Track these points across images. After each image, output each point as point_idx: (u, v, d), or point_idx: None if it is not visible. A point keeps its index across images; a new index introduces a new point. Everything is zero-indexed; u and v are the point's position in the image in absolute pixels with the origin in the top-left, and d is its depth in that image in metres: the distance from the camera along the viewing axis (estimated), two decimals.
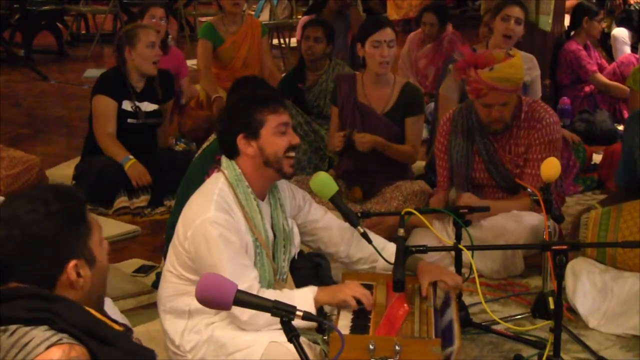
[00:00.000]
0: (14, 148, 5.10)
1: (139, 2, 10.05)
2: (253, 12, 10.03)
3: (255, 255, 2.80)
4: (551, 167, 3.07)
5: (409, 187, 4.33)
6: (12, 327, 1.81)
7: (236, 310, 2.61)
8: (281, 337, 2.25)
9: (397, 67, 6.67)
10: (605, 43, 7.73)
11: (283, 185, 3.06)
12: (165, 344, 2.91)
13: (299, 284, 2.97)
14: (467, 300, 3.38)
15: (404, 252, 2.83)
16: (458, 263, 3.21)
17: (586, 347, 3.20)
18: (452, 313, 2.76)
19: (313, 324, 2.68)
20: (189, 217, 2.77)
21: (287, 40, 9.31)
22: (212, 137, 3.70)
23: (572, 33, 6.62)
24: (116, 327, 1.99)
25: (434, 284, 2.92)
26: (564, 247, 2.71)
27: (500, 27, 4.83)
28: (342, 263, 3.19)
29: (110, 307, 2.70)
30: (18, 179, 4.69)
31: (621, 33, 7.70)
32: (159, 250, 3.97)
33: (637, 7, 7.93)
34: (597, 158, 5.39)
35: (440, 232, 3.65)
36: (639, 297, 3.30)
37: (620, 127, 6.01)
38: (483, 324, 3.31)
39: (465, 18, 11.43)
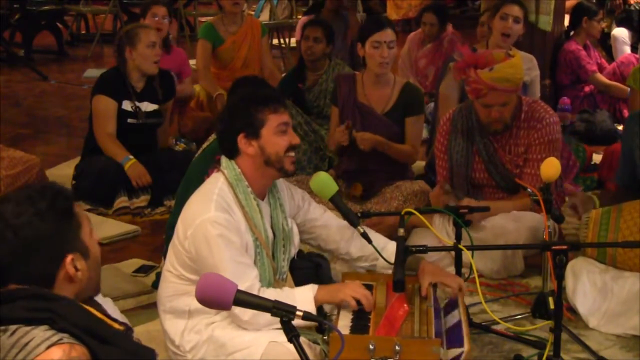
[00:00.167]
0: (14, 148, 5.09)
1: (139, 2, 10.06)
2: (253, 12, 10.04)
3: (255, 254, 2.80)
4: (551, 167, 3.07)
5: (409, 187, 4.33)
6: (13, 327, 1.81)
7: (237, 309, 2.61)
8: (281, 337, 2.25)
9: (397, 67, 6.68)
10: (605, 43, 7.73)
11: (282, 185, 3.06)
12: (165, 344, 2.91)
13: (299, 283, 2.97)
14: (467, 300, 3.38)
15: (404, 252, 2.84)
16: (458, 263, 3.22)
17: (586, 347, 3.20)
18: (460, 315, 2.76)
19: (313, 324, 2.69)
20: (189, 217, 2.77)
21: (287, 40, 9.31)
22: (212, 137, 3.70)
23: (571, 33, 6.62)
24: (116, 326, 1.99)
25: (434, 285, 2.92)
26: (564, 247, 2.71)
27: (498, 26, 4.83)
28: (342, 260, 3.20)
29: (111, 307, 2.70)
30: (18, 179, 4.69)
31: (621, 33, 7.70)
32: (159, 250, 3.97)
33: (637, 7, 7.93)
34: (597, 158, 5.39)
35: (440, 232, 3.65)
36: (639, 297, 3.30)
37: (620, 127, 6.01)
38: (483, 324, 3.31)
39: (465, 18, 11.43)
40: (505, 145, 3.92)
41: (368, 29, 4.31)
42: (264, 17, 9.80)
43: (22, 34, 9.83)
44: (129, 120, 4.86)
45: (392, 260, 2.84)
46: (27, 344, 1.78)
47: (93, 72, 8.40)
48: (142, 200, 4.79)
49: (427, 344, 2.52)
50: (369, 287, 2.89)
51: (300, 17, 8.34)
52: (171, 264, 2.84)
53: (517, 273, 3.87)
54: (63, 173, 5.21)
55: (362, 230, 2.96)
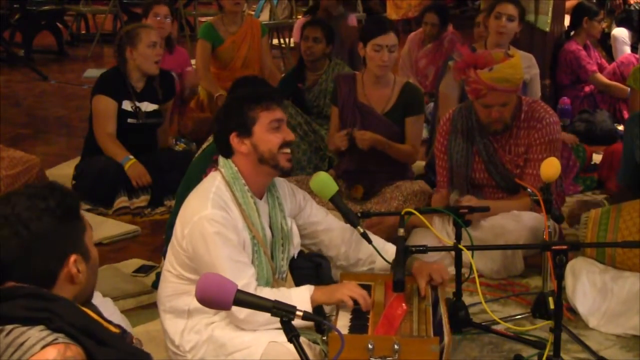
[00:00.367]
0: (14, 148, 5.09)
1: (139, 2, 10.06)
2: (253, 12, 10.03)
3: (253, 253, 2.80)
4: (551, 167, 3.07)
5: (409, 187, 4.33)
6: (9, 327, 1.81)
7: (234, 308, 2.61)
8: (281, 337, 2.25)
9: (397, 67, 6.67)
10: (605, 43, 7.73)
11: (283, 184, 3.06)
12: (165, 344, 2.91)
13: (299, 283, 2.97)
14: (467, 300, 3.38)
15: (404, 252, 2.83)
16: (458, 263, 3.21)
17: (586, 347, 3.20)
18: (441, 309, 2.76)
19: (312, 323, 2.69)
20: (186, 215, 2.78)
21: (287, 40, 9.31)
22: (212, 137, 3.70)
23: (572, 33, 6.62)
24: (112, 328, 1.99)
25: (431, 283, 2.92)
26: (564, 247, 2.71)
27: (493, 25, 4.85)
28: (340, 267, 3.19)
29: (110, 307, 2.71)
30: (18, 179, 4.69)
31: (621, 33, 7.70)
32: (159, 250, 3.97)
33: (637, 7, 7.93)
34: (597, 158, 5.39)
35: (440, 232, 3.65)
36: (639, 297, 3.30)
37: (620, 127, 6.01)
38: (483, 324, 3.31)
39: (465, 18, 11.43)
40: (505, 145, 3.92)
41: (370, 31, 4.31)
42: (264, 17, 9.79)
43: (22, 34, 9.83)
44: (129, 120, 4.86)
45: (391, 260, 2.84)
46: (22, 343, 1.78)
47: (93, 72, 8.40)
48: (142, 200, 4.80)
49: (426, 343, 2.52)
50: (367, 287, 2.89)
51: (300, 17, 8.34)
52: (170, 264, 2.85)
53: (517, 273, 3.87)
54: (63, 173, 5.21)
55: (362, 231, 2.96)
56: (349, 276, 3.03)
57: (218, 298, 2.07)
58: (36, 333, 1.79)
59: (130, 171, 4.73)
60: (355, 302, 2.74)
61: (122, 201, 4.75)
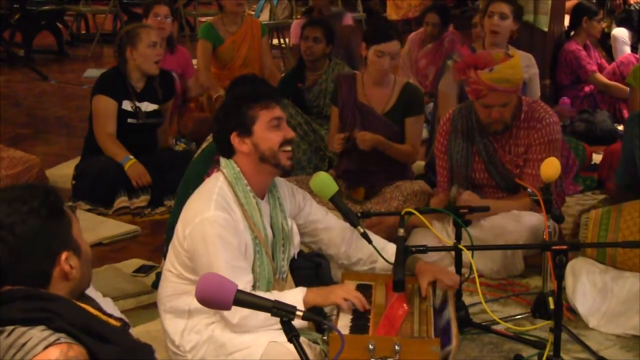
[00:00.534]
0: (14, 148, 5.10)
1: (139, 2, 10.05)
2: (253, 12, 10.03)
3: (254, 253, 2.80)
4: (551, 167, 3.07)
5: (409, 187, 4.33)
6: (9, 327, 1.81)
7: (227, 312, 2.61)
8: (281, 337, 2.25)
9: (397, 67, 6.66)
10: (605, 43, 7.73)
11: (283, 184, 3.06)
12: (165, 344, 2.91)
13: (299, 283, 2.97)
14: (467, 300, 3.38)
15: (404, 252, 2.83)
16: (458, 263, 3.21)
17: (586, 347, 3.20)
18: (450, 312, 2.76)
19: (310, 324, 2.69)
20: (188, 216, 2.78)
21: (287, 40, 9.30)
22: (211, 137, 3.70)
23: (572, 33, 6.62)
24: (112, 322, 1.99)
25: (433, 284, 2.92)
26: (564, 247, 2.71)
27: (487, 24, 4.87)
28: (341, 265, 3.19)
29: (110, 307, 2.70)
30: (18, 179, 4.69)
31: (621, 33, 7.70)
32: (159, 250, 3.97)
33: (637, 7, 7.93)
34: (597, 158, 5.39)
35: (440, 232, 3.65)
36: (639, 297, 3.30)
37: (620, 127, 6.01)
38: (483, 324, 3.31)
39: (465, 18, 11.42)
40: (505, 145, 3.92)
41: (374, 36, 4.30)
42: (264, 17, 9.79)
43: (22, 34, 9.83)
44: (129, 120, 4.86)
45: (392, 260, 2.84)
46: (24, 344, 1.77)
47: (93, 72, 8.40)
48: (142, 200, 4.79)
49: (427, 344, 2.52)
50: (368, 287, 2.89)
51: (299, 17, 8.34)
52: (171, 264, 2.85)
53: (517, 273, 3.87)
54: (63, 173, 5.21)
55: (362, 231, 2.96)
56: (350, 276, 3.03)
57: (218, 298, 2.07)
58: (38, 333, 1.79)
59: (130, 171, 4.73)
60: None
61: (122, 201, 4.75)
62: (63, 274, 1.95)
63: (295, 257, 3.05)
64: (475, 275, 2.90)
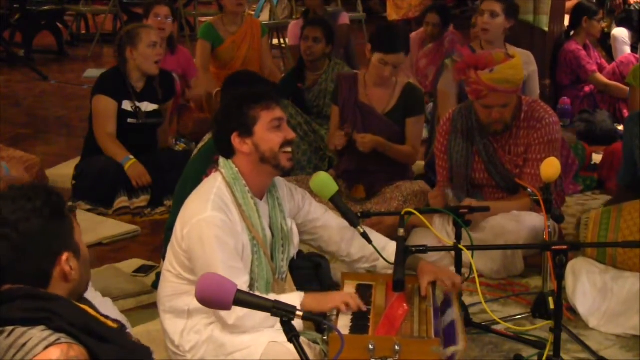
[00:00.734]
0: (14, 148, 5.10)
1: (139, 2, 10.05)
2: (253, 12, 10.03)
3: (252, 254, 2.80)
4: (551, 167, 3.07)
5: (409, 188, 4.33)
6: (9, 328, 1.81)
7: (223, 312, 2.61)
8: (281, 337, 2.25)
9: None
10: (605, 43, 7.73)
11: (282, 184, 3.06)
12: (165, 344, 2.91)
13: (299, 284, 2.98)
14: (467, 300, 3.38)
15: (404, 252, 2.83)
16: (458, 263, 3.21)
17: (586, 347, 3.20)
18: (455, 313, 2.76)
19: (310, 325, 2.69)
20: (186, 216, 2.78)
21: (287, 40, 9.30)
22: (207, 136, 3.70)
23: (571, 33, 6.62)
24: (110, 323, 1.99)
25: (433, 284, 2.92)
26: (564, 247, 2.71)
27: (478, 22, 4.89)
28: (343, 262, 3.20)
29: (110, 307, 2.70)
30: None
31: (621, 33, 7.70)
32: (159, 250, 3.97)
33: (637, 7, 7.93)
34: (597, 158, 5.39)
35: (440, 232, 3.65)
36: (639, 297, 3.30)
37: (620, 127, 6.01)
38: (483, 324, 3.31)
39: (465, 18, 11.42)
40: (505, 145, 3.92)
41: (381, 44, 4.26)
42: (264, 17, 9.79)
43: (22, 34, 9.83)
44: (129, 120, 4.86)
45: (393, 260, 2.84)
46: (24, 344, 1.78)
47: (93, 72, 8.40)
48: (142, 200, 4.79)
49: (427, 344, 2.52)
50: (368, 287, 2.89)
51: (298, 17, 8.33)
52: (170, 264, 2.85)
53: (517, 273, 3.87)
54: (63, 173, 5.21)
55: (362, 230, 2.96)
56: (350, 276, 3.03)
57: (218, 298, 2.07)
58: (38, 333, 1.79)
59: (130, 171, 4.73)
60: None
61: (122, 201, 4.75)
62: (63, 274, 1.95)
63: (295, 257, 3.05)
64: (475, 275, 2.90)
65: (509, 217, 3.82)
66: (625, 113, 6.24)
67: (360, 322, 2.68)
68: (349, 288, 2.93)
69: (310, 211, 3.10)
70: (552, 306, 2.68)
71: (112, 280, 3.73)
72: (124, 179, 4.73)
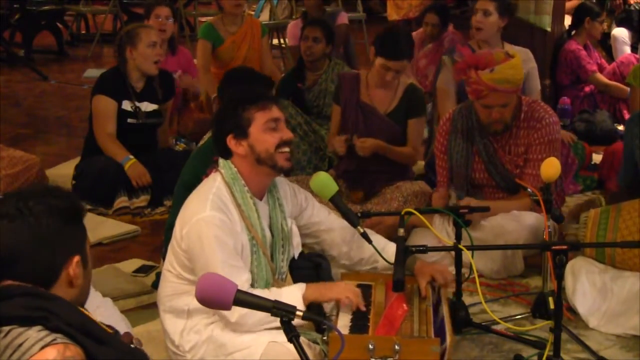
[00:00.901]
0: (14, 148, 5.09)
1: (139, 2, 10.05)
2: (253, 12, 10.03)
3: (251, 254, 2.80)
4: (551, 167, 3.07)
5: (409, 188, 4.33)
6: (6, 328, 1.81)
7: (225, 311, 2.61)
8: (281, 337, 2.25)
9: None
10: (605, 43, 7.73)
11: (284, 184, 3.06)
12: (165, 344, 2.91)
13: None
14: (467, 300, 3.38)
15: (404, 252, 2.84)
16: (458, 263, 3.21)
17: (586, 347, 3.20)
18: (443, 310, 2.76)
19: (310, 324, 2.69)
20: (185, 216, 2.78)
21: (287, 40, 9.30)
22: (207, 135, 3.70)
23: (572, 33, 6.63)
24: (105, 328, 2.00)
25: (432, 283, 2.92)
26: (564, 247, 2.71)
27: (472, 21, 4.90)
28: (343, 266, 3.19)
29: (110, 307, 2.71)
30: (18, 178, 4.69)
31: (621, 33, 7.70)
32: (159, 250, 3.97)
33: (637, 7, 7.93)
34: (597, 158, 5.39)
35: (440, 232, 3.65)
36: (638, 297, 3.30)
37: (621, 127, 6.01)
38: (483, 324, 3.31)
39: (465, 18, 11.42)
40: (505, 145, 3.92)
41: (384, 50, 4.25)
42: (264, 17, 9.79)
43: (22, 34, 9.83)
44: (129, 120, 4.86)
45: (392, 260, 2.84)
46: (21, 344, 1.78)
47: (93, 72, 8.40)
48: (142, 200, 4.79)
49: (427, 344, 2.52)
50: (368, 287, 2.89)
51: (296, 17, 8.34)
52: (170, 264, 2.85)
53: (517, 273, 3.87)
54: (63, 173, 5.21)
55: (362, 230, 2.96)
56: (350, 276, 3.03)
57: (218, 298, 2.07)
58: (34, 334, 1.79)
59: (130, 171, 4.73)
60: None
61: (122, 201, 4.75)
62: (69, 278, 1.96)
63: (295, 257, 3.05)
64: (475, 275, 2.90)
65: (509, 217, 3.82)
66: (625, 113, 6.25)
67: (360, 322, 2.68)
68: None
69: (314, 214, 3.10)
70: (552, 306, 2.68)
71: (112, 280, 3.73)
72: (124, 179, 4.73)
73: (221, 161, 2.88)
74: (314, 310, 2.75)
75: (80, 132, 5.84)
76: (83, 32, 11.39)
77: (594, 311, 3.38)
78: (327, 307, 2.90)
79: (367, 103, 4.44)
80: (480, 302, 2.95)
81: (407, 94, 4.42)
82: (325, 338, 2.60)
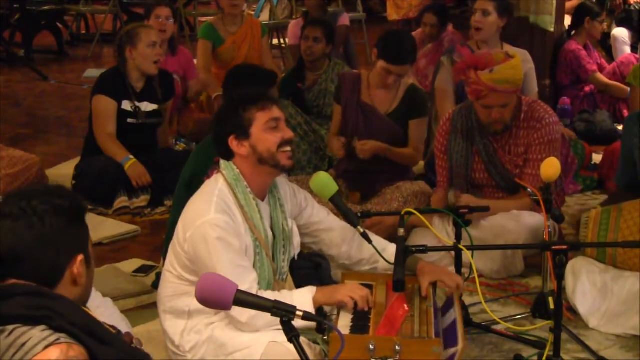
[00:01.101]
0: (13, 148, 5.09)
1: (139, 2, 10.05)
2: (253, 12, 10.03)
3: (254, 255, 2.80)
4: (551, 167, 3.07)
5: (409, 188, 4.32)
6: (10, 327, 1.81)
7: (235, 312, 2.62)
8: (281, 337, 2.25)
9: None
10: (605, 43, 7.73)
11: (284, 185, 3.06)
12: (165, 344, 2.91)
13: (299, 284, 2.98)
14: (467, 300, 3.38)
15: (404, 252, 2.83)
16: (458, 263, 3.21)
17: (586, 347, 3.20)
18: (456, 314, 2.76)
19: (312, 324, 2.69)
20: (189, 218, 2.77)
21: (287, 40, 9.30)
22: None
23: (572, 33, 6.63)
24: (109, 328, 2.00)
25: (434, 284, 2.92)
26: (564, 247, 2.71)
27: (471, 22, 4.90)
28: (343, 266, 3.19)
29: (110, 307, 2.71)
30: (18, 178, 4.69)
31: (621, 33, 7.70)
32: (159, 250, 3.97)
33: (637, 7, 7.93)
34: (597, 158, 5.39)
35: (440, 232, 3.65)
36: (639, 297, 3.30)
37: (620, 127, 6.00)
38: (483, 324, 3.31)
39: (465, 18, 11.42)
40: (505, 145, 3.92)
41: (387, 54, 4.24)
42: (264, 17, 9.79)
43: (22, 34, 9.83)
44: (129, 120, 4.86)
45: (392, 261, 2.84)
46: (24, 344, 1.78)
47: (93, 72, 8.40)
48: (142, 200, 4.79)
49: (427, 344, 2.52)
50: (368, 287, 2.89)
51: (297, 17, 8.34)
52: (171, 265, 2.85)
53: (517, 273, 3.87)
54: (63, 173, 5.21)
55: (362, 231, 2.96)
56: (350, 276, 3.03)
57: (218, 298, 2.07)
58: (38, 333, 1.79)
59: (130, 171, 4.73)
60: (355, 303, 2.74)
61: (122, 201, 4.75)
62: (73, 277, 1.97)
63: (296, 257, 3.05)
64: (475, 275, 2.90)
65: (508, 217, 3.82)
66: (626, 113, 6.24)
67: (360, 322, 2.68)
68: None
69: (313, 214, 3.10)
70: (552, 306, 2.68)
71: (112, 280, 3.72)
72: (124, 179, 4.73)
73: (223, 162, 2.88)
74: (317, 310, 2.75)
75: (80, 132, 5.83)
76: (83, 32, 11.38)
77: (594, 311, 3.38)
78: (328, 307, 2.90)
79: (368, 103, 4.44)
80: (480, 302, 2.95)
81: (408, 95, 4.42)
82: (325, 338, 2.60)
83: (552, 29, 6.10)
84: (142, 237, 4.48)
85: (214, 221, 2.69)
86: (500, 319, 3.09)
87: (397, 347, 2.47)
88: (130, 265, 4.01)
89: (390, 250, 3.02)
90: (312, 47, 5.44)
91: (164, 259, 2.99)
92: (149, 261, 4.05)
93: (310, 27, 5.50)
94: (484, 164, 3.95)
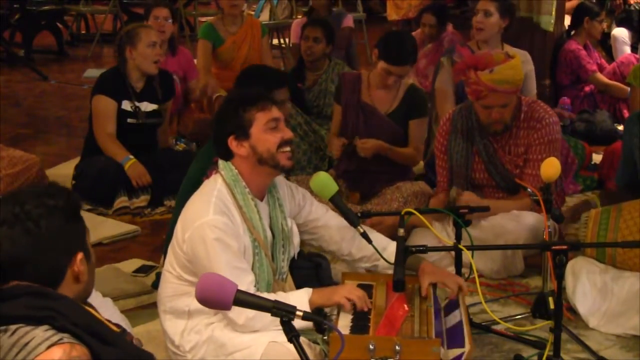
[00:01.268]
0: (13, 148, 5.09)
1: (139, 2, 10.05)
2: (253, 12, 10.03)
3: (253, 255, 2.80)
4: (551, 167, 3.07)
5: (409, 188, 4.32)
6: (13, 327, 1.81)
7: (232, 314, 2.62)
8: (281, 337, 2.25)
9: None
10: (605, 43, 7.73)
11: (283, 184, 3.06)
12: (165, 344, 2.91)
13: (299, 284, 2.97)
14: (467, 300, 3.36)
15: (404, 252, 2.83)
16: (458, 263, 3.21)
17: (586, 347, 3.20)
18: (462, 315, 2.76)
19: (312, 325, 2.69)
20: (187, 219, 2.78)
21: (287, 40, 9.30)
22: None
23: (572, 33, 6.63)
24: (112, 327, 2.00)
25: (434, 285, 2.92)
26: (564, 247, 2.71)
27: (473, 22, 4.90)
28: (344, 261, 3.19)
29: (110, 307, 2.71)
30: (18, 178, 4.69)
31: (621, 33, 7.70)
32: (159, 250, 3.97)
33: (637, 7, 7.93)
34: (597, 158, 5.39)
35: (440, 232, 3.65)
36: (639, 297, 3.30)
37: (620, 127, 6.00)
38: (483, 324, 3.31)
39: (465, 18, 11.43)
40: (505, 145, 3.92)
41: (387, 55, 4.24)
42: (264, 17, 9.79)
43: (22, 34, 9.83)
44: (129, 120, 4.86)
45: (393, 260, 2.84)
46: (27, 343, 1.78)
47: (93, 72, 8.40)
48: (142, 200, 4.79)
49: (427, 344, 2.52)
50: (368, 287, 2.89)
51: (300, 17, 8.33)
52: (170, 265, 2.85)
53: (517, 273, 3.87)
54: (63, 173, 5.21)
55: (362, 230, 2.96)
56: (350, 276, 3.03)
57: (218, 298, 2.07)
58: (41, 333, 1.79)
59: (130, 171, 4.73)
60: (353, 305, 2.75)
61: (122, 201, 4.75)
62: (75, 275, 1.97)
63: (296, 257, 3.05)
64: (475, 275, 2.90)
65: (508, 217, 3.82)
66: (626, 113, 6.24)
67: (360, 322, 2.68)
68: None
69: (312, 211, 3.10)
70: (552, 306, 2.68)
71: (112, 280, 3.72)
72: (124, 179, 4.73)
73: (221, 163, 2.88)
74: (316, 310, 2.75)
75: (80, 132, 5.83)
76: (83, 32, 11.38)
77: (594, 311, 3.38)
78: (328, 307, 2.90)
79: (368, 103, 4.44)
80: (480, 302, 2.95)
81: (408, 95, 4.42)
82: (325, 338, 2.60)
83: (552, 29, 6.10)
84: (142, 237, 4.48)
85: (213, 222, 2.69)
86: (500, 319, 3.09)
87: (397, 347, 2.47)
88: (130, 265, 4.01)
89: (391, 248, 3.01)
90: (312, 47, 5.44)
91: (165, 258, 2.99)
92: (149, 261, 4.05)
93: (310, 27, 5.50)
94: (484, 164, 3.95)
